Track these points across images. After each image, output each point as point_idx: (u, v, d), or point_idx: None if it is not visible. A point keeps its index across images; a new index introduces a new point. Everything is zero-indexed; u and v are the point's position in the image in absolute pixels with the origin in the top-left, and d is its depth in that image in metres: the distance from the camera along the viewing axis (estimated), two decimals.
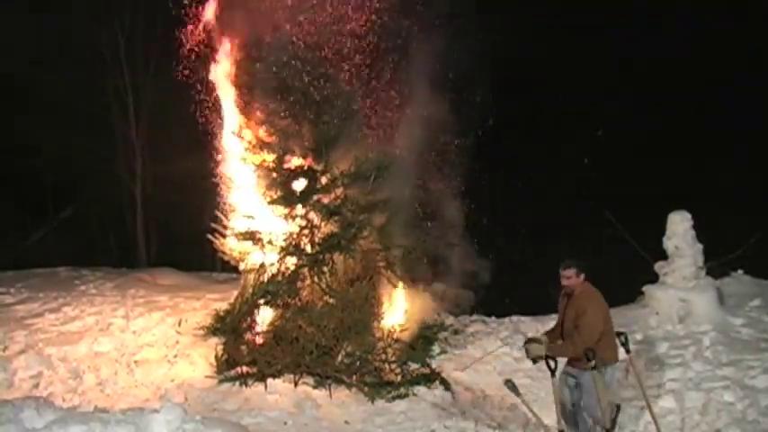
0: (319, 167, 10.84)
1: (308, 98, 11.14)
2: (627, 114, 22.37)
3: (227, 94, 11.66)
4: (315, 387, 9.98)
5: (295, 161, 10.96)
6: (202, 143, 12.92)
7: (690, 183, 20.07)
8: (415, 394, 10.12)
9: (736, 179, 20.08)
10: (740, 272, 13.26)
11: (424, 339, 10.51)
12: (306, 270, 10.57)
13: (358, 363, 10.08)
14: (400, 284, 11.28)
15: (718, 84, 21.96)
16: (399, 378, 10.15)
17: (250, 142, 11.15)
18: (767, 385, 9.33)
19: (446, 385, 10.35)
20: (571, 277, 8.22)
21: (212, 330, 10.27)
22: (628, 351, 8.55)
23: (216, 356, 10.13)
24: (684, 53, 22.69)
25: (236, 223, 11.21)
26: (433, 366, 10.60)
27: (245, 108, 11.38)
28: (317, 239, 10.65)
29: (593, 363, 7.90)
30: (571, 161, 22.17)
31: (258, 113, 11.23)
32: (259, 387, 9.94)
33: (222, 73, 11.78)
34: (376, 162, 10.88)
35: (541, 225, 20.88)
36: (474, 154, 13.47)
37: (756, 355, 10.24)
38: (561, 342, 8.24)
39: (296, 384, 10.00)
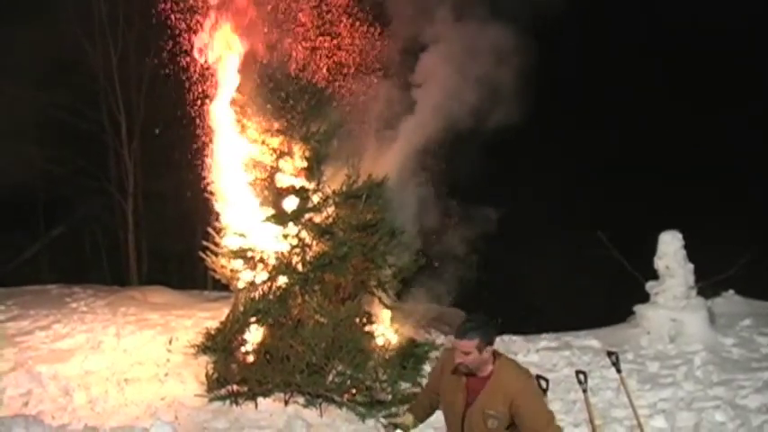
0: (311, 186, 10.85)
1: (302, 116, 11.17)
2: (622, 134, 22.55)
3: (220, 112, 11.69)
4: (305, 406, 9.95)
5: (287, 180, 10.97)
6: (195, 161, 12.96)
7: (681, 202, 20.16)
8: None
9: (727, 199, 20.18)
10: (731, 292, 13.31)
11: (414, 358, 10.48)
12: (297, 289, 10.56)
13: (349, 382, 10.05)
14: (391, 303, 11.28)
15: (713, 104, 22.13)
16: (390, 397, 10.12)
17: (243, 161, 11.18)
18: (758, 405, 9.33)
19: None
20: (470, 352, 5.08)
21: (203, 349, 10.24)
22: (619, 371, 8.55)
23: (206, 375, 10.10)
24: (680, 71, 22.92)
25: (228, 241, 11.21)
26: (424, 385, 10.55)
27: (239, 126, 11.40)
28: (308, 258, 10.64)
29: None
30: (566, 180, 22.30)
31: (251, 132, 11.26)
32: (250, 406, 9.91)
33: (217, 91, 11.83)
34: (368, 181, 10.91)
35: (534, 245, 20.96)
36: (466, 174, 13.54)
37: (747, 374, 10.26)
38: None
39: (286, 403, 9.98)
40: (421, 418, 5.77)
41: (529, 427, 5.02)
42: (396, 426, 5.71)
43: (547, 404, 5.21)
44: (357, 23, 13.16)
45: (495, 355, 5.23)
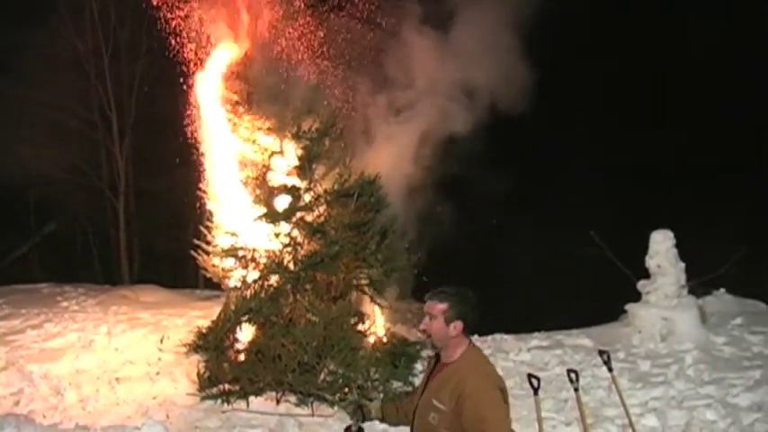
0: (303, 185, 10.83)
1: (294, 113, 11.17)
2: (616, 133, 22.57)
3: (212, 111, 11.68)
4: (297, 405, 9.92)
5: (279, 178, 10.95)
6: (187, 159, 12.94)
7: (673, 202, 20.19)
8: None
9: (719, 198, 20.21)
10: (722, 290, 13.35)
11: (406, 357, 10.47)
12: (288, 287, 10.54)
13: (340, 381, 10.03)
14: (383, 302, 11.26)
15: (709, 102, 22.16)
16: (382, 396, 10.10)
17: (235, 159, 11.17)
18: (749, 403, 9.35)
19: None
20: (436, 316, 4.45)
21: (195, 348, 10.20)
22: (610, 369, 8.56)
23: (198, 374, 10.07)
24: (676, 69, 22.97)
25: (219, 240, 11.19)
26: (416, 384, 10.55)
27: (231, 125, 11.40)
28: (300, 257, 10.62)
29: None
30: (558, 178, 22.32)
31: (243, 130, 11.25)
32: (241, 405, 9.89)
33: (209, 89, 11.81)
34: (360, 180, 10.88)
35: (526, 244, 20.96)
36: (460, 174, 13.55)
37: (738, 373, 10.28)
38: None
39: (278, 402, 9.96)
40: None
41: None
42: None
43: (506, 418, 4.25)
44: None
45: (469, 345, 4.50)
